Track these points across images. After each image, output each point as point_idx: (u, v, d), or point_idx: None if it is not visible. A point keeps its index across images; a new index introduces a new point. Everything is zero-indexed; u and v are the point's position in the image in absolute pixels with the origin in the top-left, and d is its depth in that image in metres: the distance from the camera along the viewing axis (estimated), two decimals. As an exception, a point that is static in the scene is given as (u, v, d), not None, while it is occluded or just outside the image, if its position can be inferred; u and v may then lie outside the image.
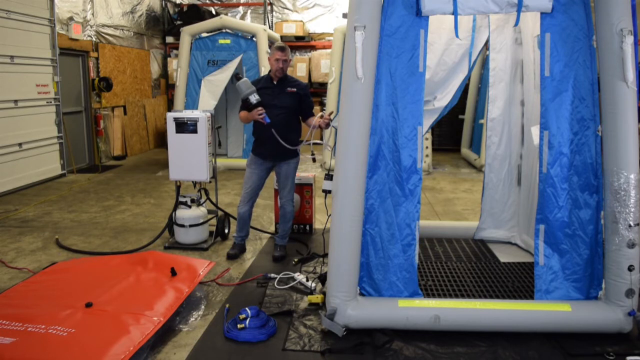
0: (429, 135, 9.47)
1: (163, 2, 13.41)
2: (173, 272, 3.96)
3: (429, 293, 3.94)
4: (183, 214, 5.17)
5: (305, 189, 5.59)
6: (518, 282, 4.18)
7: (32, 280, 4.10)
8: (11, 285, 4.20)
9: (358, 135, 3.38)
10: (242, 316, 3.48)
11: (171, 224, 5.30)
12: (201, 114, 5.04)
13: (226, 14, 13.28)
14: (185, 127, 5.00)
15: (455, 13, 3.35)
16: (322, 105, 12.74)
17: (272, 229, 5.79)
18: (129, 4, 11.65)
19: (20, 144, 7.95)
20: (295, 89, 4.67)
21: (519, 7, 3.32)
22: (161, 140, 12.48)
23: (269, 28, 12.43)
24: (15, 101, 7.86)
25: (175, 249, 5.16)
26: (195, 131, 5.00)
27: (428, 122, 4.44)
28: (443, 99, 4.55)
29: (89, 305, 3.44)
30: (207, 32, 9.70)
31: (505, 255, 4.81)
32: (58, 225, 6.09)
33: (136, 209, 6.87)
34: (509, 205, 5.10)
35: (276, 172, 4.87)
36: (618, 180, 3.27)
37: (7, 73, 7.69)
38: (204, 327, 3.57)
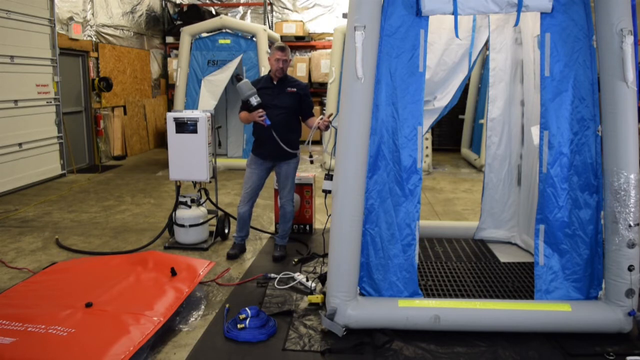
0: (429, 135, 9.47)
1: (163, 2, 13.41)
2: (173, 272, 3.96)
3: (429, 293, 3.94)
4: (183, 214, 5.17)
5: (305, 189, 5.59)
6: (518, 282, 4.18)
7: (32, 280, 4.11)
8: (11, 285, 4.20)
9: (358, 135, 3.38)
10: (242, 316, 3.48)
11: (171, 224, 5.30)
12: (201, 114, 5.04)
13: (226, 14, 13.28)
14: (185, 127, 5.00)
15: (455, 13, 3.35)
16: (322, 105, 12.74)
17: (272, 229, 5.79)
18: (129, 4, 11.65)
19: (20, 144, 7.95)
20: (295, 89, 4.67)
21: (519, 7, 3.32)
22: (161, 140, 12.48)
23: (269, 28, 12.43)
24: (15, 101, 7.86)
25: (175, 249, 5.16)
26: (195, 131, 5.00)
27: (428, 122, 4.44)
28: (443, 99, 4.55)
29: (89, 305, 3.44)
30: (207, 32, 9.70)
31: (505, 255, 4.81)
32: (58, 225, 6.09)
33: (136, 209, 6.87)
34: (509, 205, 5.10)
35: (276, 172, 4.87)
36: (618, 180, 3.27)
37: (7, 73, 7.69)
38: (204, 327, 3.57)
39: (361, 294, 3.57)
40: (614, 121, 3.28)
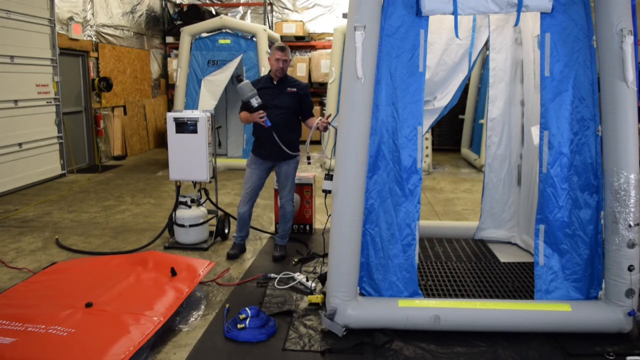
0: (429, 135, 9.47)
1: (163, 2, 13.41)
2: (173, 272, 3.96)
3: (429, 293, 3.94)
4: (183, 214, 5.17)
5: (305, 189, 5.59)
6: (518, 282, 4.18)
7: (32, 280, 4.11)
8: (11, 285, 4.20)
9: (358, 135, 3.38)
10: (242, 316, 3.48)
11: (171, 224, 5.30)
12: (201, 114, 5.04)
13: (226, 14, 13.28)
14: (185, 127, 5.00)
15: (455, 13, 3.35)
16: (322, 105, 12.75)
17: (272, 229, 5.79)
18: (129, 4, 11.65)
19: (20, 144, 7.95)
20: (295, 89, 4.67)
21: (519, 7, 3.32)
22: (161, 140, 12.48)
23: (269, 28, 12.43)
24: (15, 101, 7.86)
25: (175, 249, 5.16)
26: (195, 131, 5.00)
27: (428, 122, 4.44)
28: (443, 99, 4.55)
29: (89, 305, 3.44)
30: (207, 32, 9.70)
31: (505, 255, 4.81)
32: (58, 225, 6.09)
33: (136, 209, 6.87)
34: (509, 205, 5.10)
35: (276, 172, 4.87)
36: (618, 180, 3.27)
37: (7, 73, 7.69)
38: (204, 327, 3.57)
39: (361, 294, 3.57)
40: (614, 121, 3.28)
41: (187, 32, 9.57)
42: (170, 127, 5.04)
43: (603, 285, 3.46)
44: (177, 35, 11.73)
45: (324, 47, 13.28)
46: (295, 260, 4.80)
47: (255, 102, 4.49)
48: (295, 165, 4.83)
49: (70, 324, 3.20)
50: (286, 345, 3.33)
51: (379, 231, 3.53)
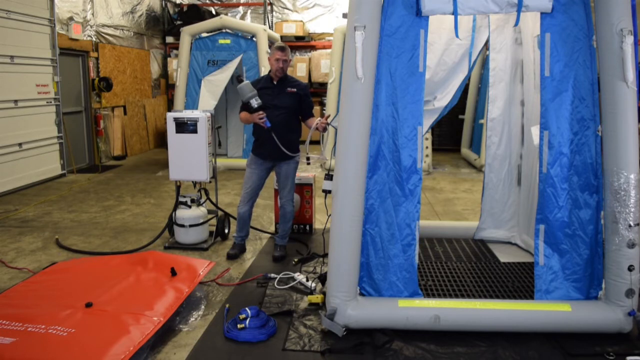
0: (429, 135, 9.47)
1: (163, 2, 13.41)
2: (173, 272, 3.96)
3: (429, 293, 3.94)
4: (183, 214, 5.17)
5: (305, 189, 5.59)
6: (518, 282, 4.18)
7: (32, 280, 4.10)
8: (11, 285, 4.20)
9: (358, 135, 3.38)
10: (242, 316, 3.48)
11: (171, 224, 5.30)
12: (201, 114, 5.04)
13: (226, 14, 13.28)
14: (185, 127, 5.00)
15: (455, 13, 3.35)
16: (322, 105, 12.75)
17: (272, 229, 5.79)
18: (129, 4, 11.65)
19: (20, 144, 7.95)
20: (295, 89, 4.67)
21: (519, 7, 3.32)
22: (161, 140, 12.48)
23: (269, 28, 12.43)
24: (15, 101, 7.86)
25: (175, 249, 5.16)
26: (195, 131, 5.00)
27: (428, 122, 4.44)
28: (443, 99, 4.55)
29: (89, 305, 3.44)
30: (207, 32, 9.70)
31: (505, 255, 4.81)
32: (58, 225, 6.09)
33: (136, 209, 6.87)
34: (509, 205, 5.10)
35: (276, 172, 4.87)
36: (618, 180, 3.27)
37: (7, 73, 7.69)
38: (204, 327, 3.57)
39: (361, 294, 3.57)
40: (614, 121, 3.28)
41: (187, 32, 9.57)
42: (170, 127, 5.04)
43: (603, 285, 3.46)
44: (177, 35, 11.73)
45: (324, 47, 13.28)
46: (295, 260, 4.80)
47: (255, 102, 4.49)
48: (295, 166, 4.83)
49: (70, 324, 3.20)
50: (286, 345, 3.33)
51: (379, 231, 3.53)
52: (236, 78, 4.82)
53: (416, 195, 3.49)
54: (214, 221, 5.47)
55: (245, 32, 9.64)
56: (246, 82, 4.53)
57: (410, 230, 3.50)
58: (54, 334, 3.09)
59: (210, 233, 5.43)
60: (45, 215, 6.50)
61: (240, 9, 14.15)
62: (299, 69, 12.94)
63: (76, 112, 9.76)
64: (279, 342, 3.36)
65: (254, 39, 9.48)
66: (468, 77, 4.66)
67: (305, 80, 12.66)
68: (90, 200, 7.30)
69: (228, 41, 9.52)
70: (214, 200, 5.51)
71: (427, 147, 9.35)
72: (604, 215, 3.40)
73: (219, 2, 14.08)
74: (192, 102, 9.42)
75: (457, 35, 3.48)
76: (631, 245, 3.26)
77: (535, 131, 4.29)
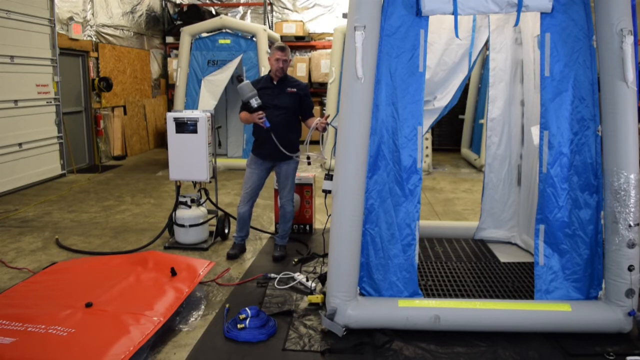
0: (429, 135, 9.47)
1: (163, 2, 13.41)
2: (173, 272, 3.96)
3: (429, 293, 3.94)
4: (183, 214, 5.17)
5: (305, 189, 5.59)
6: (518, 282, 4.18)
7: (32, 280, 4.11)
8: (11, 285, 4.20)
9: (358, 135, 3.38)
10: (242, 316, 3.48)
11: (171, 224, 5.30)
12: (201, 114, 5.04)
13: (226, 14, 13.28)
14: (185, 127, 5.00)
15: (455, 13, 3.35)
16: (322, 105, 12.75)
17: (272, 229, 5.79)
18: (129, 4, 11.65)
19: (20, 144, 7.95)
20: (295, 89, 4.67)
21: (519, 7, 3.32)
22: (161, 140, 12.48)
23: (269, 28, 12.43)
24: (15, 101, 7.86)
25: (175, 249, 5.16)
26: (195, 131, 5.00)
27: (428, 122, 4.44)
28: (443, 99, 4.55)
29: (89, 305, 3.44)
30: (207, 32, 9.70)
31: (505, 255, 4.81)
32: (58, 225, 6.09)
33: (136, 209, 6.87)
34: (509, 205, 5.10)
35: (276, 172, 4.87)
36: (618, 180, 3.27)
37: (7, 73, 7.69)
38: (204, 327, 3.57)
39: (361, 294, 3.57)
40: (614, 121, 3.28)
41: (187, 32, 9.57)
42: (170, 127, 5.04)
43: (603, 285, 3.46)
44: (177, 35, 11.73)
45: (324, 47, 13.28)
46: (295, 260, 4.80)
47: (254, 102, 4.48)
48: (295, 166, 4.83)
49: (70, 324, 3.20)
50: (286, 345, 3.33)
51: (379, 231, 3.53)
52: (236, 78, 4.82)
53: (416, 195, 3.49)
54: (214, 221, 5.47)
55: (245, 32, 9.64)
56: (246, 82, 4.53)
57: (410, 230, 3.50)
58: (54, 334, 3.09)
59: (210, 233, 5.43)
60: (45, 215, 6.50)
61: (240, 9, 14.15)
62: (299, 69, 12.94)
63: (76, 112, 9.76)
64: (279, 342, 3.36)
65: (254, 39, 9.48)
66: (468, 77, 4.66)
67: (305, 80, 12.66)
68: (90, 200, 7.30)
69: (228, 41, 9.52)
70: (214, 200, 5.51)
71: (427, 147, 9.35)
72: (604, 215, 3.40)
73: (219, 2, 14.08)
74: (192, 102, 9.42)
75: (457, 35, 3.48)
76: (631, 245, 3.26)
77: (535, 131, 4.29)
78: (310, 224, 5.69)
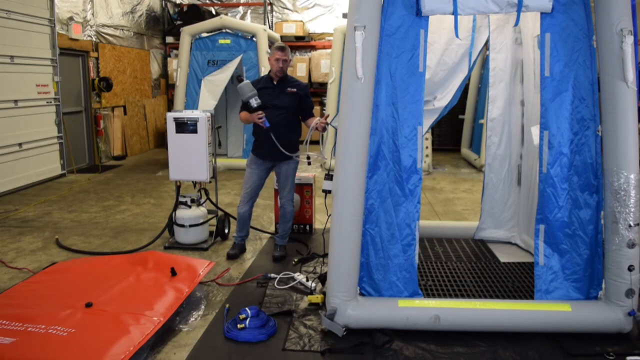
0: (429, 135, 9.47)
1: (163, 2, 13.41)
2: (173, 272, 3.96)
3: (429, 293, 3.94)
4: (183, 214, 5.17)
5: (305, 189, 5.59)
6: (518, 282, 4.18)
7: (32, 280, 4.10)
8: (11, 285, 4.20)
9: (358, 135, 3.38)
10: (242, 316, 3.48)
11: (171, 224, 5.30)
12: (201, 114, 5.04)
13: (226, 14, 13.28)
14: (185, 127, 5.00)
15: (455, 13, 3.35)
16: (322, 105, 12.75)
17: (272, 229, 5.79)
18: (129, 4, 11.65)
19: (20, 144, 7.95)
20: (295, 89, 4.67)
21: (519, 7, 3.32)
22: (161, 140, 12.48)
23: (269, 28, 12.43)
24: (15, 101, 7.86)
25: (175, 249, 5.16)
26: (195, 131, 5.00)
27: (428, 122, 4.44)
28: (443, 99, 4.55)
29: (89, 305, 3.44)
30: (207, 32, 9.70)
31: (505, 255, 4.81)
32: (58, 225, 6.09)
33: (136, 209, 6.87)
34: (509, 205, 5.10)
35: (276, 172, 4.87)
36: (618, 180, 3.27)
37: (7, 73, 7.69)
38: (204, 327, 3.57)
39: (361, 294, 3.57)
40: (614, 121, 3.28)
41: (187, 32, 9.57)
42: (170, 127, 5.04)
43: (603, 285, 3.46)
44: (177, 35, 11.73)
45: (324, 47, 13.28)
46: (295, 260, 4.80)
47: (254, 102, 4.48)
48: (295, 166, 4.83)
49: (70, 324, 3.20)
50: (286, 345, 3.33)
51: (379, 231, 3.53)
52: (236, 78, 4.82)
53: (416, 195, 3.49)
54: (214, 221, 5.47)
55: (245, 32, 9.64)
56: (246, 81, 4.53)
57: (410, 230, 3.50)
58: (54, 334, 3.09)
59: (210, 233, 5.43)
60: (45, 215, 6.50)
61: (240, 9, 14.15)
62: (299, 69, 12.94)
63: (76, 112, 9.76)
64: (279, 342, 3.36)
65: (254, 39, 9.48)
66: (468, 77, 4.66)
67: (305, 80, 12.66)
68: (90, 200, 7.30)
69: (228, 41, 9.52)
70: (214, 200, 5.51)
71: (427, 147, 9.35)
72: (604, 215, 3.40)
73: (219, 2, 14.08)
74: (192, 102, 9.42)
75: (457, 35, 3.48)
76: (631, 245, 3.26)
77: (535, 131, 4.29)
78: (310, 224, 5.69)
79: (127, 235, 5.71)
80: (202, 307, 3.88)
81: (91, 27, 10.10)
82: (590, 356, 3.21)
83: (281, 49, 4.59)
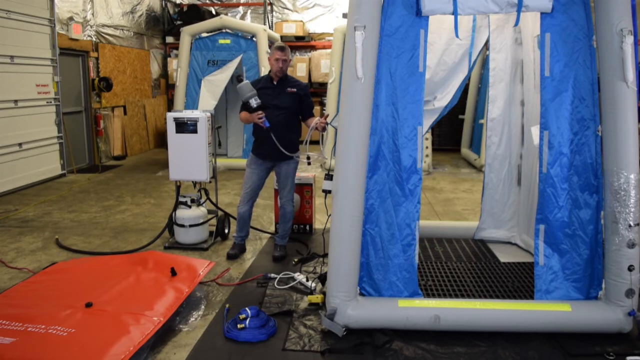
0: (429, 135, 9.47)
1: (163, 2, 13.41)
2: (173, 272, 3.96)
3: (429, 293, 3.94)
4: (183, 214, 5.17)
5: (305, 189, 5.59)
6: (518, 282, 4.18)
7: (32, 280, 4.10)
8: (11, 285, 4.20)
9: (358, 135, 3.38)
10: (242, 316, 3.48)
11: (171, 224, 5.30)
12: (201, 114, 5.04)
13: (226, 14, 13.28)
14: (185, 127, 5.00)
15: (455, 13, 3.35)
16: (322, 105, 12.75)
17: (272, 229, 5.79)
18: (129, 4, 11.65)
19: (20, 144, 7.95)
20: (295, 89, 4.67)
21: (519, 7, 3.32)
22: (161, 140, 12.48)
23: (269, 28, 12.43)
24: (15, 101, 7.86)
25: (175, 249, 5.16)
26: (195, 131, 5.00)
27: (428, 122, 4.44)
28: (443, 99, 4.55)
29: (89, 305, 3.44)
30: (207, 32, 9.70)
31: (505, 255, 4.81)
32: (58, 225, 6.09)
33: (136, 209, 6.87)
34: (509, 205, 5.10)
35: (276, 172, 4.87)
36: (618, 180, 3.27)
37: (7, 73, 7.69)
38: (204, 327, 3.57)
39: (361, 294, 3.57)
40: (614, 121, 3.28)
41: (187, 32, 9.57)
42: (170, 127, 5.04)
43: (603, 285, 3.46)
44: (177, 35, 11.73)
45: (324, 47, 13.28)
46: (295, 260, 4.80)
47: (254, 102, 4.48)
48: (295, 166, 4.83)
49: (70, 324, 3.20)
50: (286, 345, 3.33)
51: (379, 231, 3.53)
52: (236, 78, 4.82)
53: (416, 195, 3.49)
54: (214, 221, 5.47)
55: (245, 32, 9.64)
56: (245, 81, 4.53)
57: (410, 230, 3.50)
58: (54, 334, 3.09)
59: (210, 233, 5.43)
60: (45, 215, 6.50)
61: (240, 9, 14.15)
62: (299, 69, 12.94)
63: (76, 112, 9.76)
64: (279, 342, 3.36)
65: (254, 39, 9.48)
66: (468, 77, 4.66)
67: (305, 80, 12.66)
68: (90, 200, 7.30)
69: (228, 41, 9.52)
70: (214, 200, 5.51)
71: (427, 147, 9.35)
72: (604, 215, 3.40)
73: (219, 2, 14.08)
74: (192, 102, 9.42)
75: (457, 35, 3.48)
76: (631, 245, 3.26)
77: (535, 131, 4.29)
78: (310, 224, 5.69)
79: (127, 235, 5.71)
80: (202, 307, 3.88)
81: (91, 27, 10.10)
82: (590, 356, 3.21)
83: (281, 49, 4.59)
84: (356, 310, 3.39)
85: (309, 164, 4.72)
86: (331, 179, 3.72)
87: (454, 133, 11.78)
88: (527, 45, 4.65)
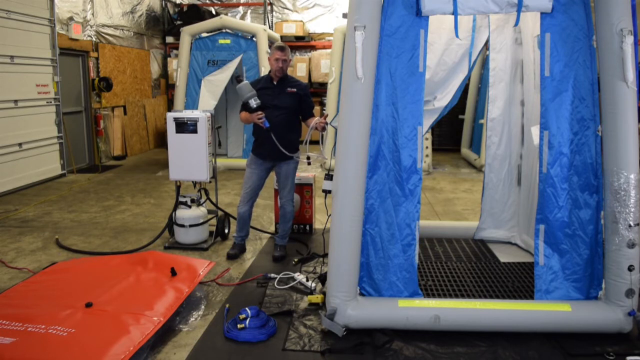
0: (429, 135, 9.47)
1: (163, 2, 13.41)
2: (173, 272, 3.96)
3: (429, 293, 3.94)
4: (183, 214, 5.17)
5: (305, 189, 5.59)
6: (518, 282, 4.18)
7: (32, 280, 4.10)
8: (11, 285, 4.20)
9: (358, 135, 3.38)
10: (242, 316, 3.48)
11: (171, 224, 5.31)
12: (201, 114, 5.04)
13: (226, 14, 13.28)
14: (185, 127, 5.00)
15: (455, 13, 3.35)
16: (322, 105, 12.75)
17: (272, 229, 5.79)
18: (129, 4, 11.65)
19: (20, 144, 7.95)
20: (295, 89, 4.67)
21: (519, 7, 3.32)
22: (161, 140, 12.48)
23: (269, 28, 12.43)
24: (15, 101, 7.86)
25: (175, 249, 5.16)
26: (195, 131, 5.00)
27: (428, 122, 4.44)
28: (443, 99, 4.55)
29: (89, 305, 3.44)
30: (207, 32, 9.70)
31: (505, 255, 4.81)
32: (58, 225, 6.09)
33: (136, 209, 6.87)
34: (509, 205, 5.10)
35: (276, 172, 4.87)
36: (618, 180, 3.27)
37: (7, 73, 7.69)
38: (204, 327, 3.57)
39: (361, 294, 3.57)
40: (614, 121, 3.28)
41: (187, 32, 9.57)
42: (170, 127, 5.04)
43: (603, 285, 3.46)
44: (177, 35, 11.73)
45: (324, 47, 13.28)
46: (295, 260, 4.80)
47: (253, 102, 4.49)
48: (295, 166, 4.83)
49: (70, 324, 3.20)
50: (286, 345, 3.33)
51: (379, 231, 3.53)
52: (235, 78, 4.82)
53: (416, 195, 3.49)
54: (214, 221, 5.47)
55: (245, 32, 9.64)
56: (245, 82, 4.53)
57: (410, 230, 3.50)
58: (54, 334, 3.09)
59: (210, 233, 5.43)
60: (45, 215, 6.50)
61: (240, 9, 14.15)
62: (299, 69, 12.95)
63: (76, 112, 9.76)
64: (279, 342, 3.36)
65: (254, 39, 9.48)
66: (468, 77, 4.66)
67: (305, 80, 12.66)
68: (90, 200, 7.30)
69: (228, 41, 9.52)
70: (214, 200, 5.51)
71: (427, 147, 9.35)
72: (604, 215, 3.40)
73: (219, 2, 14.08)
74: (192, 102, 9.42)
75: (457, 35, 3.48)
76: (631, 245, 3.26)
77: (535, 131, 4.29)
78: (310, 224, 5.69)
79: (127, 235, 5.71)
80: (202, 307, 3.88)
81: (91, 27, 10.10)
82: (590, 356, 3.22)
83: (281, 48, 4.59)
84: (356, 310, 3.39)
85: (309, 164, 4.73)
86: (331, 179, 3.72)
87: (454, 133, 11.78)
88: (527, 45, 4.65)
